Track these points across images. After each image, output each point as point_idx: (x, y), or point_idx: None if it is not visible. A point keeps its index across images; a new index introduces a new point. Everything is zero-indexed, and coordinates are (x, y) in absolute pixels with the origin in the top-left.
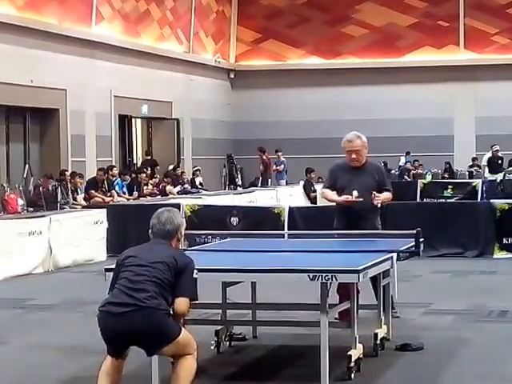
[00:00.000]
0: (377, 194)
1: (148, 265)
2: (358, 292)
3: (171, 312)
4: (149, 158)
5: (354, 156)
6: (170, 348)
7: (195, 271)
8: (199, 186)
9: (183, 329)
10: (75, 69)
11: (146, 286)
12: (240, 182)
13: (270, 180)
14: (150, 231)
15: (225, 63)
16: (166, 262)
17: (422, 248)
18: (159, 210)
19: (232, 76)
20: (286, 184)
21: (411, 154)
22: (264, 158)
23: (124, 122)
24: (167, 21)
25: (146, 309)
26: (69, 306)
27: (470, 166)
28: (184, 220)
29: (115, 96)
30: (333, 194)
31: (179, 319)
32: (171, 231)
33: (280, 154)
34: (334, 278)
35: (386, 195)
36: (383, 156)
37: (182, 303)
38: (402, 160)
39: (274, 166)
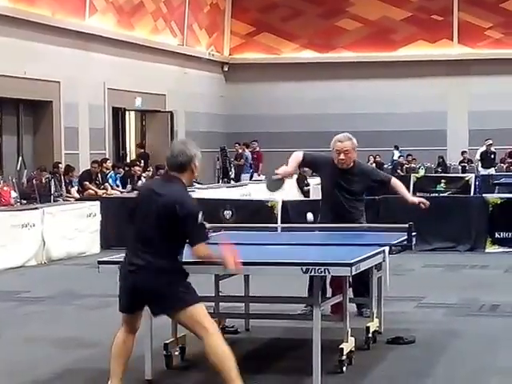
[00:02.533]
0: (419, 201)
1: (153, 219)
2: (350, 286)
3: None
4: (142, 151)
5: (341, 157)
6: (180, 316)
7: (200, 216)
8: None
9: (199, 305)
10: (69, 61)
11: (152, 244)
12: (233, 175)
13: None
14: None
15: (219, 56)
16: (167, 213)
17: (414, 242)
18: (174, 141)
19: (226, 69)
20: (251, 179)
21: (403, 148)
22: (240, 151)
23: (118, 114)
24: (161, 13)
25: (153, 269)
26: (62, 298)
27: (461, 161)
28: (199, 152)
29: (109, 88)
30: (290, 165)
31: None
32: (184, 163)
33: (242, 147)
34: (326, 271)
35: (406, 193)
36: (376, 150)
37: (199, 251)
38: (396, 154)
39: (235, 161)
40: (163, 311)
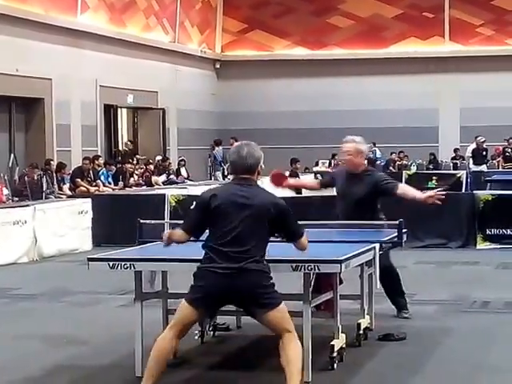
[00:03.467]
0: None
1: (249, 223)
2: (341, 282)
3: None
4: (131, 148)
5: (341, 157)
6: (271, 315)
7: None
8: (185, 177)
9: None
10: (60, 58)
11: (245, 243)
12: (226, 172)
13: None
14: (229, 167)
15: (210, 53)
16: (261, 212)
17: (404, 239)
18: (237, 144)
19: (218, 66)
20: (223, 177)
21: (394, 145)
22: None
23: (109, 111)
24: (153, 10)
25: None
26: (53, 295)
27: (453, 158)
28: (262, 153)
29: (101, 86)
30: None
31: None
32: (253, 165)
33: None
34: (316, 268)
35: (415, 192)
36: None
37: (305, 242)
38: (378, 152)
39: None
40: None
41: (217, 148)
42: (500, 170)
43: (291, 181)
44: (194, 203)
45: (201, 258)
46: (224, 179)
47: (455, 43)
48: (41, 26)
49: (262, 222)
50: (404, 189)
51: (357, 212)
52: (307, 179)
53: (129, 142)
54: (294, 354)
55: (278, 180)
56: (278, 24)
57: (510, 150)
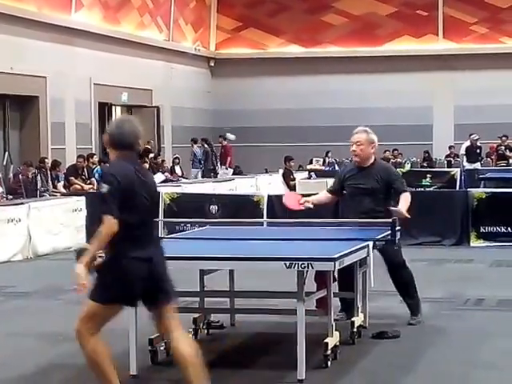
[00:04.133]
0: (394, 210)
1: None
2: (335, 280)
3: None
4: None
5: (353, 148)
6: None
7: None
8: (179, 175)
9: None
10: (55, 56)
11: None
12: (220, 170)
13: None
14: (111, 142)
15: (205, 51)
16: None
17: (398, 237)
18: (119, 119)
19: (212, 64)
20: (202, 176)
21: (389, 143)
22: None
23: (104, 109)
24: (147, 8)
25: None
26: (48, 293)
27: (448, 155)
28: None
29: (95, 84)
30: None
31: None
32: (134, 142)
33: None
34: (310, 266)
35: (403, 204)
36: None
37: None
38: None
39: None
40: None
41: (195, 145)
42: (493, 167)
43: (308, 199)
44: (107, 187)
45: (195, 255)
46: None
47: (449, 41)
48: (35, 24)
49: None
50: (404, 197)
51: (371, 204)
52: (320, 194)
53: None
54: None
55: (292, 201)
56: (272, 22)
57: (503, 147)
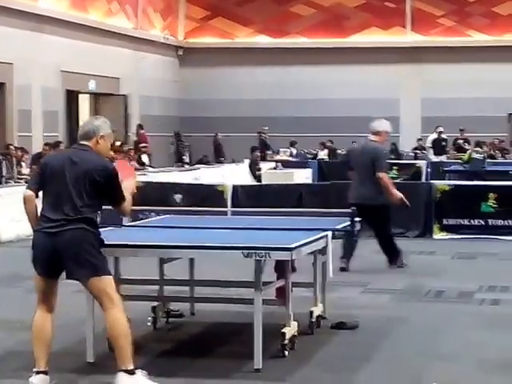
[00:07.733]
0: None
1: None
2: (294, 270)
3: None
4: None
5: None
6: (92, 283)
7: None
8: (146, 164)
9: (110, 276)
10: (22, 43)
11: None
12: (188, 160)
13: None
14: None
15: (173, 40)
16: (89, 176)
17: (358, 227)
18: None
19: (180, 53)
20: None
21: (355, 135)
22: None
23: (71, 97)
24: None
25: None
26: (10, 280)
27: (415, 148)
28: (108, 126)
29: (62, 71)
30: None
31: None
32: (88, 132)
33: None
34: (267, 256)
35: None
36: (329, 136)
37: (126, 209)
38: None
39: None
40: (78, 275)
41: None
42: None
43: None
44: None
45: (154, 243)
46: None
47: (417, 34)
48: (2, 10)
49: (89, 184)
50: (385, 177)
51: (368, 179)
52: None
53: None
54: (114, 331)
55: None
56: (241, 12)
57: (461, 141)
